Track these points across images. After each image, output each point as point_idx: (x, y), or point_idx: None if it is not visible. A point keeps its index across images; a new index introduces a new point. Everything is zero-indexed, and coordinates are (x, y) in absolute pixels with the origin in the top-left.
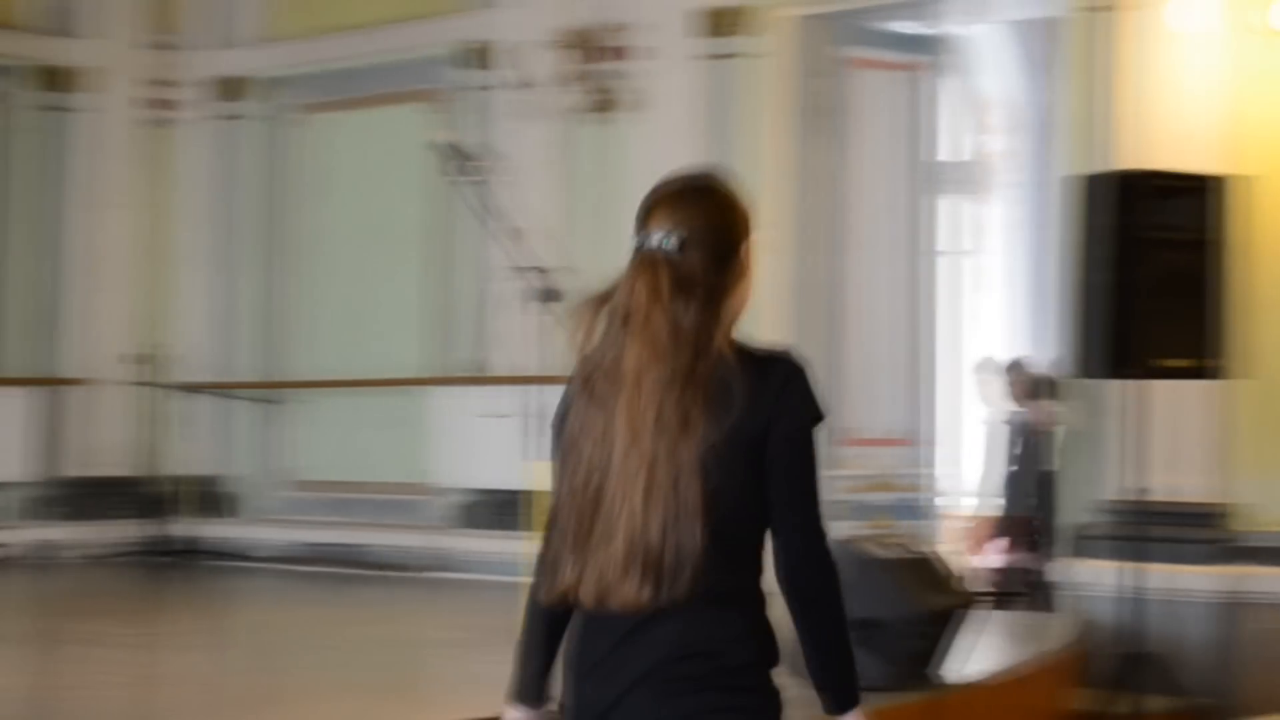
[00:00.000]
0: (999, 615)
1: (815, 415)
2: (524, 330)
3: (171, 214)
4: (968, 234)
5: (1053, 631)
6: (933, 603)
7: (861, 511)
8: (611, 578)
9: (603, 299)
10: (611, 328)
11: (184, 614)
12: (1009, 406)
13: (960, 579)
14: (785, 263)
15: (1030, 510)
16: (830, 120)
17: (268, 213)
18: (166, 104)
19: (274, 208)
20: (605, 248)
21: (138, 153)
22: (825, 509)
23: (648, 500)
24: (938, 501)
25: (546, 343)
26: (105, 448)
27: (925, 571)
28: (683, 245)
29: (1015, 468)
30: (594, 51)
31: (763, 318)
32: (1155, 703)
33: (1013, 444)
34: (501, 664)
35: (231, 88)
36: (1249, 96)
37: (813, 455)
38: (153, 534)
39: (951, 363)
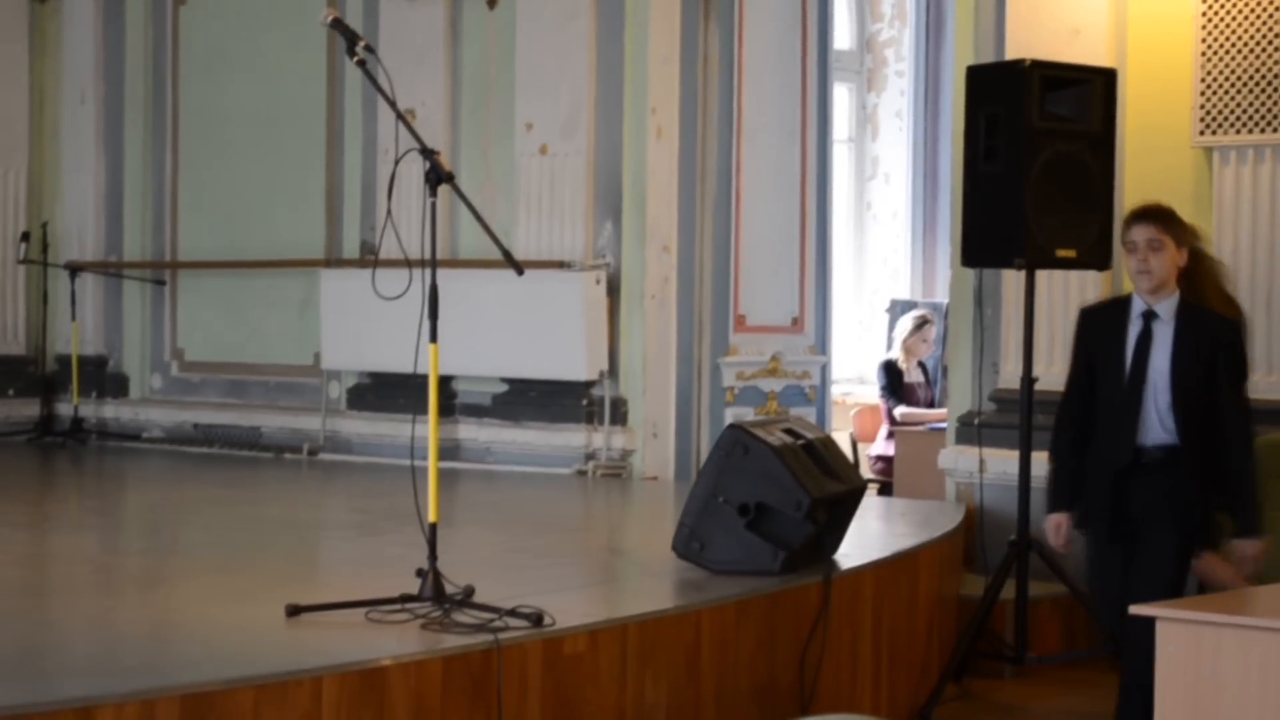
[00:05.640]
0: (888, 501)
1: None
2: (414, 213)
3: (58, 91)
4: (859, 122)
5: (941, 518)
6: (823, 488)
7: (752, 397)
8: None
9: None
10: None
11: (73, 493)
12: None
13: (850, 465)
14: (674, 149)
15: None
16: (719, 5)
17: (156, 91)
18: None
19: (162, 86)
20: (491, 131)
21: (22, 29)
22: None
23: None
24: (829, 388)
25: (436, 226)
26: None
27: (816, 457)
28: None
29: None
30: None
31: (651, 205)
32: (1039, 588)
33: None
34: (394, 545)
35: None
36: None
37: None
38: (41, 414)
39: (844, 249)
